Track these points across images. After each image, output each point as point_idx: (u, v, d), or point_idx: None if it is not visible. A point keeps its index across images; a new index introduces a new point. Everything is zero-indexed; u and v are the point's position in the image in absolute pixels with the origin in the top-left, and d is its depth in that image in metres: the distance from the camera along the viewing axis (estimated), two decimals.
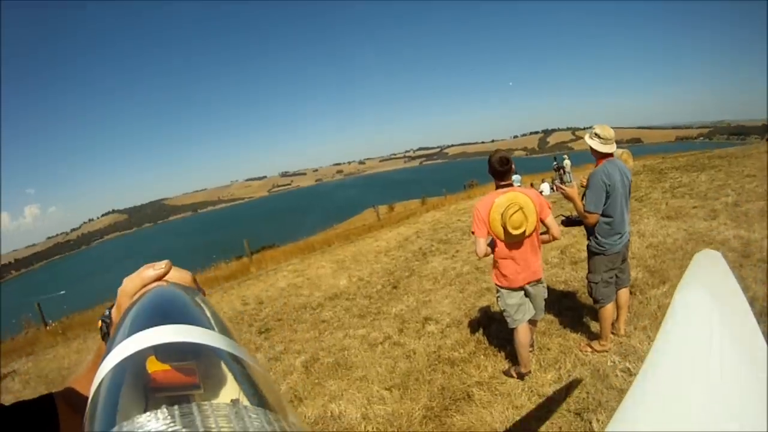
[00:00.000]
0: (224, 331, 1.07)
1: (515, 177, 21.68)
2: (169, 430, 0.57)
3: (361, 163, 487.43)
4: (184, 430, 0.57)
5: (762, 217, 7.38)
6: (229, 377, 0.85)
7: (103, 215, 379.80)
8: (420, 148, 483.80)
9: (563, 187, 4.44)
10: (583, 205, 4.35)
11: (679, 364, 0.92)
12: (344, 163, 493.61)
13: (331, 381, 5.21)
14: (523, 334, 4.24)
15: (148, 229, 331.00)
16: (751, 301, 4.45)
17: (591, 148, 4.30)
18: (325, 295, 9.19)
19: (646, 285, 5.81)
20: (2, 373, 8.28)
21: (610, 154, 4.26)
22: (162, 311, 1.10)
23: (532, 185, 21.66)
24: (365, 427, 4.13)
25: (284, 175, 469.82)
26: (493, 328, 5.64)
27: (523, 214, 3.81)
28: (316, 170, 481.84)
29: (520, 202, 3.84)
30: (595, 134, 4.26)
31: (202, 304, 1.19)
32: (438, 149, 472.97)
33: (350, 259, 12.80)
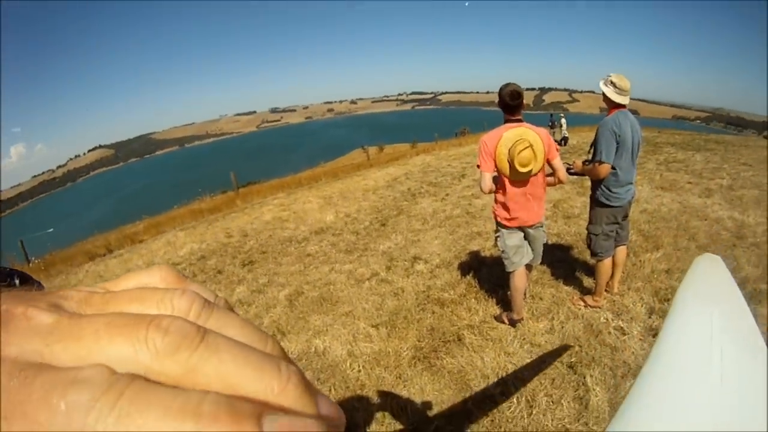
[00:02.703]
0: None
1: None
2: None
3: (352, 102, 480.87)
4: None
5: (757, 204, 7.24)
6: None
7: (89, 151, 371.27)
8: (413, 92, 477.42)
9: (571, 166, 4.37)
10: (590, 155, 4.24)
11: (679, 365, 0.91)
12: (335, 102, 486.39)
13: (316, 316, 5.04)
14: (519, 279, 4.09)
15: (134, 164, 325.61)
16: (742, 282, 4.41)
17: (604, 95, 4.07)
18: (311, 230, 9.01)
19: (639, 248, 5.70)
20: None
21: (623, 106, 4.05)
22: None
23: None
24: (351, 364, 3.97)
25: (274, 111, 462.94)
26: (484, 271, 5.51)
27: (532, 151, 3.56)
28: (307, 107, 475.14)
29: (529, 138, 3.60)
30: (611, 82, 4.01)
31: None
32: (432, 95, 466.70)
33: (338, 195, 12.59)
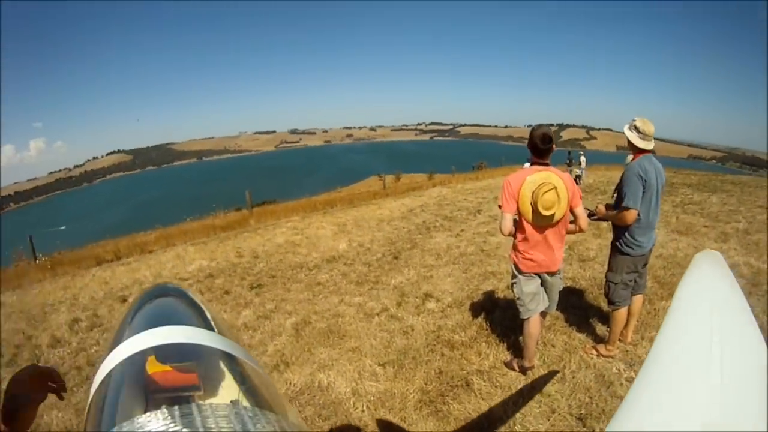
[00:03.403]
0: (224, 332, 1.14)
1: (526, 165, 21.63)
2: (170, 430, 0.73)
3: (372, 129, 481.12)
4: (184, 430, 0.72)
5: None
6: (229, 378, 1.03)
7: (107, 154, 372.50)
8: (432, 123, 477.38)
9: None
10: (615, 200, 4.10)
11: (679, 364, 0.93)
12: (355, 128, 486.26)
13: (322, 348, 4.94)
14: (533, 326, 3.96)
15: (151, 172, 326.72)
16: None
17: (628, 141, 4.01)
18: (323, 257, 8.94)
19: (655, 296, 5.56)
20: None
21: (648, 150, 3.97)
22: (162, 312, 1.23)
23: None
24: (354, 403, 3.85)
25: (293, 132, 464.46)
26: (496, 314, 5.36)
27: (556, 194, 3.49)
28: (326, 131, 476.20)
29: (554, 182, 3.53)
30: (635, 127, 3.96)
31: (203, 306, 1.27)
32: (451, 126, 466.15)
33: (352, 223, 12.55)
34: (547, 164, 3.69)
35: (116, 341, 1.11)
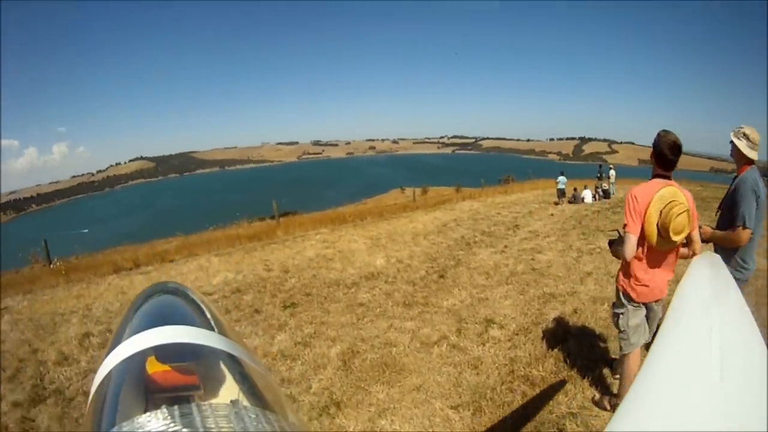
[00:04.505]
0: (225, 331, 1.23)
1: (561, 178, 21.04)
2: (169, 430, 0.71)
3: (394, 142, 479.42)
4: (184, 430, 0.71)
5: None
6: (229, 378, 1.06)
7: (130, 160, 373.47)
8: (455, 136, 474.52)
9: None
10: (719, 218, 3.79)
11: (679, 364, 0.93)
12: (377, 140, 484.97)
13: (378, 386, 4.21)
14: (634, 361, 3.48)
15: (173, 180, 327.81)
16: None
17: (737, 150, 3.60)
18: (360, 273, 8.29)
19: None
20: None
21: (753, 161, 3.58)
22: (163, 312, 1.38)
23: (575, 189, 20.76)
24: None
25: (316, 143, 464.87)
26: (571, 344, 4.73)
27: (687, 217, 2.98)
28: (349, 143, 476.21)
29: (682, 200, 3.02)
30: (744, 134, 3.58)
31: (203, 305, 1.41)
32: (473, 140, 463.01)
33: (385, 237, 11.91)
34: (669, 178, 3.22)
35: (116, 341, 1.12)
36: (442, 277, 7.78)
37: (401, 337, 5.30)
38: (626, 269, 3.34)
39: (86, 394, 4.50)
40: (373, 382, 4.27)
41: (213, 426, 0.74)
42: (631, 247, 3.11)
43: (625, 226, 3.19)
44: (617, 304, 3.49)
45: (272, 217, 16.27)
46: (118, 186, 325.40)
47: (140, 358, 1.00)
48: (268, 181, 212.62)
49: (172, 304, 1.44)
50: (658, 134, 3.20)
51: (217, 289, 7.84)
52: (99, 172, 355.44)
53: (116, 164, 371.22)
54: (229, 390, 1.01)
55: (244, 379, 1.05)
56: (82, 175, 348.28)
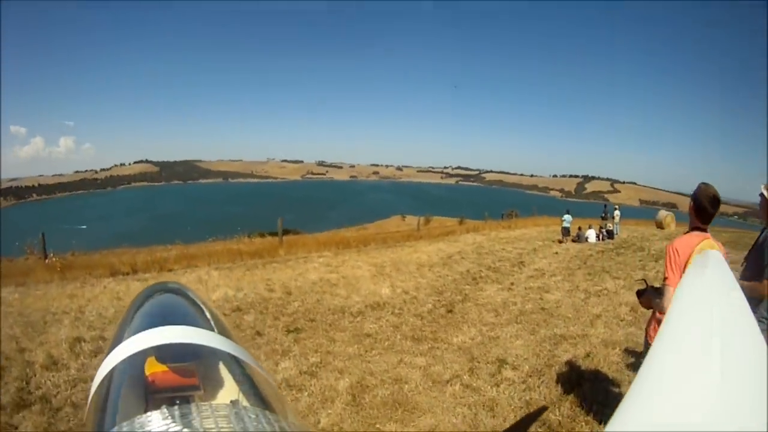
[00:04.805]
0: (225, 331, 1.21)
1: (567, 217, 20.99)
2: (170, 430, 0.70)
3: (398, 169, 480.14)
4: (184, 430, 0.69)
5: None
6: (229, 378, 1.06)
7: (134, 162, 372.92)
8: (458, 167, 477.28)
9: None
10: (745, 268, 3.71)
11: (679, 364, 0.90)
12: (382, 166, 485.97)
13: (391, 424, 4.03)
14: None
15: (176, 186, 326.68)
16: None
17: (766, 202, 3.60)
18: (366, 302, 8.14)
19: None
20: None
21: None
22: (163, 312, 1.37)
23: (579, 228, 20.77)
24: None
25: (321, 164, 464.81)
26: (586, 388, 4.65)
27: None
28: (353, 166, 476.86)
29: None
30: None
31: (203, 305, 1.40)
32: (477, 172, 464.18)
33: (390, 265, 11.79)
34: (707, 230, 3.20)
35: (116, 341, 1.12)
36: (450, 311, 7.66)
37: (412, 373, 5.13)
38: (660, 321, 3.20)
39: (75, 405, 4.34)
40: (385, 420, 4.09)
41: (213, 426, 0.74)
42: (668, 299, 3.01)
43: (665, 279, 3.11)
44: (645, 353, 3.34)
45: (274, 234, 16.14)
46: (120, 186, 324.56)
47: (140, 358, 1.01)
48: (270, 197, 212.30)
49: (172, 304, 1.46)
50: (699, 187, 3.18)
51: (216, 306, 7.66)
52: (102, 170, 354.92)
53: (120, 164, 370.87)
54: (229, 390, 1.03)
55: (244, 380, 1.05)
56: (86, 171, 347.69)
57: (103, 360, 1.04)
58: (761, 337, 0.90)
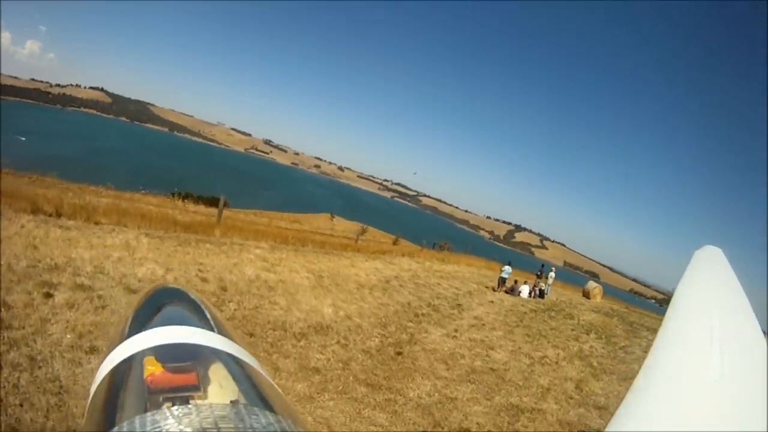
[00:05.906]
0: (225, 332, 1.16)
1: (507, 268, 20.92)
2: (170, 430, 0.69)
3: (340, 168, 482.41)
4: (184, 430, 0.69)
5: None
6: (229, 378, 1.01)
7: (90, 87, 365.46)
8: (398, 183, 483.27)
9: None
10: None
11: (680, 364, 0.95)
12: (324, 161, 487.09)
13: None
14: None
15: (123, 123, 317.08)
16: None
17: None
18: (308, 321, 7.62)
19: None
20: None
21: None
22: (163, 313, 1.31)
23: (515, 282, 20.82)
24: None
25: (267, 142, 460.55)
26: None
27: None
28: (297, 154, 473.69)
29: None
30: None
31: (203, 306, 1.35)
32: (414, 193, 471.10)
33: (328, 276, 11.30)
34: None
35: (116, 341, 1.10)
36: (399, 353, 7.37)
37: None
38: None
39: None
40: None
41: (212, 426, 0.72)
42: None
43: None
44: None
45: (211, 202, 15.13)
46: (70, 107, 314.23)
47: (140, 358, 1.00)
48: (211, 160, 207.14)
49: (172, 304, 1.44)
50: None
51: (141, 285, 6.73)
52: (57, 85, 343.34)
53: (76, 85, 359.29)
54: (229, 390, 1.01)
55: (244, 380, 1.05)
56: (42, 82, 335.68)
57: (103, 360, 1.04)
58: (761, 337, 0.96)
